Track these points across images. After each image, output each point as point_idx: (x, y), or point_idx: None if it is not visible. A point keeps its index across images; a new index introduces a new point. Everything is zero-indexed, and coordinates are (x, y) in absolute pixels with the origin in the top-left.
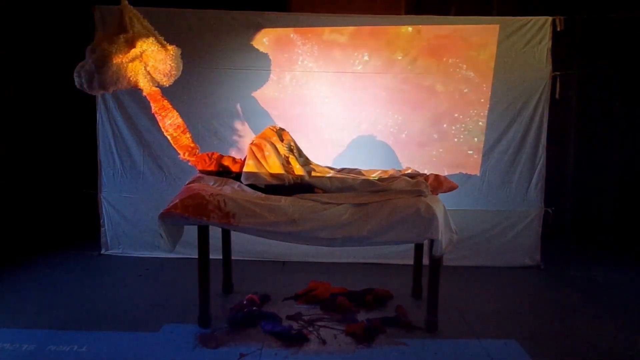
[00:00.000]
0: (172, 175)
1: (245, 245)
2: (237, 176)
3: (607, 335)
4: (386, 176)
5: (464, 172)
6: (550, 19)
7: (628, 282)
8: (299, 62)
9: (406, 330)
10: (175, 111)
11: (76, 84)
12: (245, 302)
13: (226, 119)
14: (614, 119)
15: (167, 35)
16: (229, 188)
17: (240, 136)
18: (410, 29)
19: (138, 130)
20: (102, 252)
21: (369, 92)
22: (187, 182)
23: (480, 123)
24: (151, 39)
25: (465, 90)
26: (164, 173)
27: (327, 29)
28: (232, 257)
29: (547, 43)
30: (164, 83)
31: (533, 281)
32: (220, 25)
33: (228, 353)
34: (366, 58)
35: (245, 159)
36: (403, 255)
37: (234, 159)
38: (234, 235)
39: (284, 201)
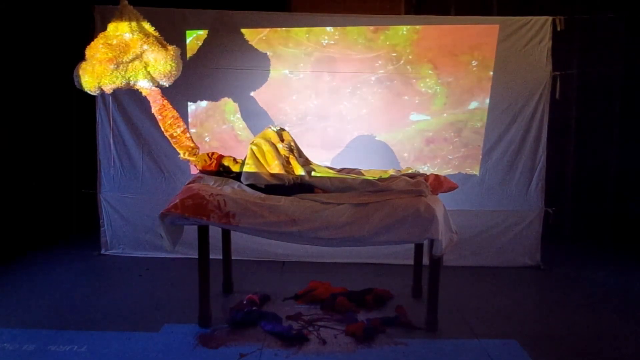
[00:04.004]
0: (172, 175)
1: (245, 245)
2: (237, 176)
3: (607, 335)
4: (386, 176)
5: (464, 172)
6: (550, 19)
7: (628, 282)
8: (299, 62)
9: (406, 330)
10: (175, 111)
11: (75, 84)
12: (245, 302)
13: (226, 119)
14: (614, 119)
15: (167, 35)
16: (229, 188)
17: (240, 136)
18: (409, 28)
19: (138, 130)
20: (102, 252)
21: (369, 92)
22: (187, 182)
23: (480, 123)
24: (151, 39)
25: (465, 90)
26: (163, 173)
27: (326, 29)
28: (232, 257)
29: (547, 43)
30: (164, 83)
31: (533, 281)
32: (221, 25)
33: (228, 353)
34: (366, 58)
35: (245, 159)
36: (403, 255)
37: (234, 159)
38: (234, 235)
39: (284, 201)
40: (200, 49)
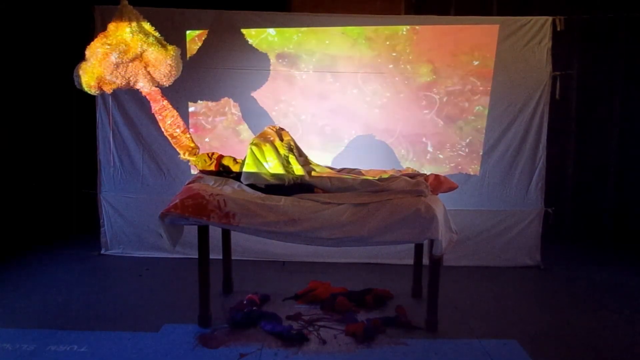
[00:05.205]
0: (172, 175)
1: (245, 245)
2: (237, 176)
3: (607, 335)
4: (386, 176)
5: (464, 172)
6: (550, 19)
7: (628, 282)
8: (299, 62)
9: (406, 330)
10: (175, 111)
11: (76, 84)
12: (245, 302)
13: (226, 118)
14: (614, 119)
15: (167, 35)
16: (229, 188)
17: (240, 136)
18: (409, 28)
19: (138, 130)
20: (102, 252)
21: (369, 92)
22: (187, 182)
23: (480, 123)
24: (151, 39)
25: (465, 90)
26: (163, 173)
27: (326, 29)
28: (232, 257)
29: (547, 43)
30: (164, 83)
31: (533, 281)
32: (221, 25)
33: (228, 353)
34: (366, 58)
35: (245, 159)
36: (403, 255)
37: (234, 159)
38: (234, 235)
39: (284, 201)
40: (200, 49)
